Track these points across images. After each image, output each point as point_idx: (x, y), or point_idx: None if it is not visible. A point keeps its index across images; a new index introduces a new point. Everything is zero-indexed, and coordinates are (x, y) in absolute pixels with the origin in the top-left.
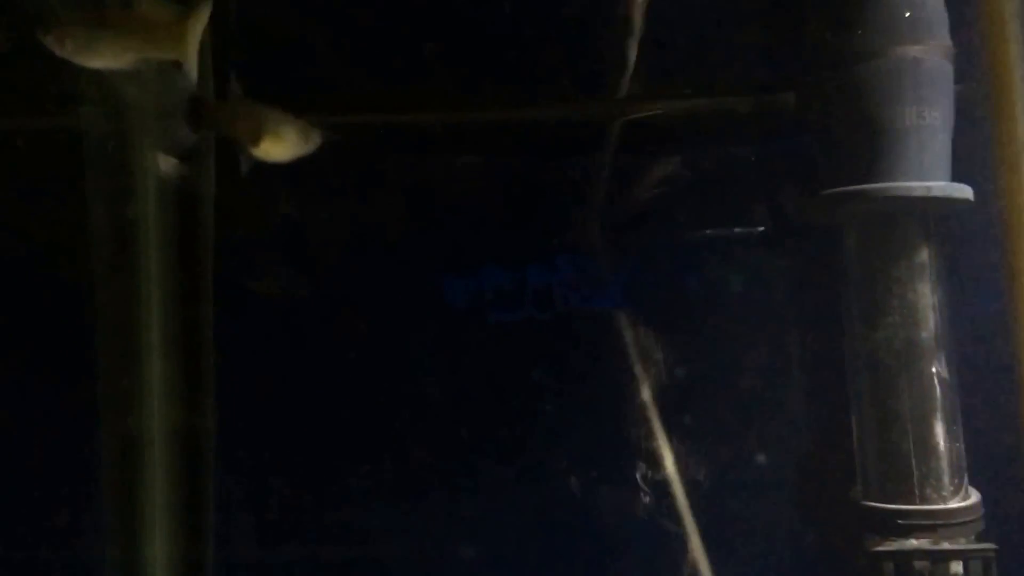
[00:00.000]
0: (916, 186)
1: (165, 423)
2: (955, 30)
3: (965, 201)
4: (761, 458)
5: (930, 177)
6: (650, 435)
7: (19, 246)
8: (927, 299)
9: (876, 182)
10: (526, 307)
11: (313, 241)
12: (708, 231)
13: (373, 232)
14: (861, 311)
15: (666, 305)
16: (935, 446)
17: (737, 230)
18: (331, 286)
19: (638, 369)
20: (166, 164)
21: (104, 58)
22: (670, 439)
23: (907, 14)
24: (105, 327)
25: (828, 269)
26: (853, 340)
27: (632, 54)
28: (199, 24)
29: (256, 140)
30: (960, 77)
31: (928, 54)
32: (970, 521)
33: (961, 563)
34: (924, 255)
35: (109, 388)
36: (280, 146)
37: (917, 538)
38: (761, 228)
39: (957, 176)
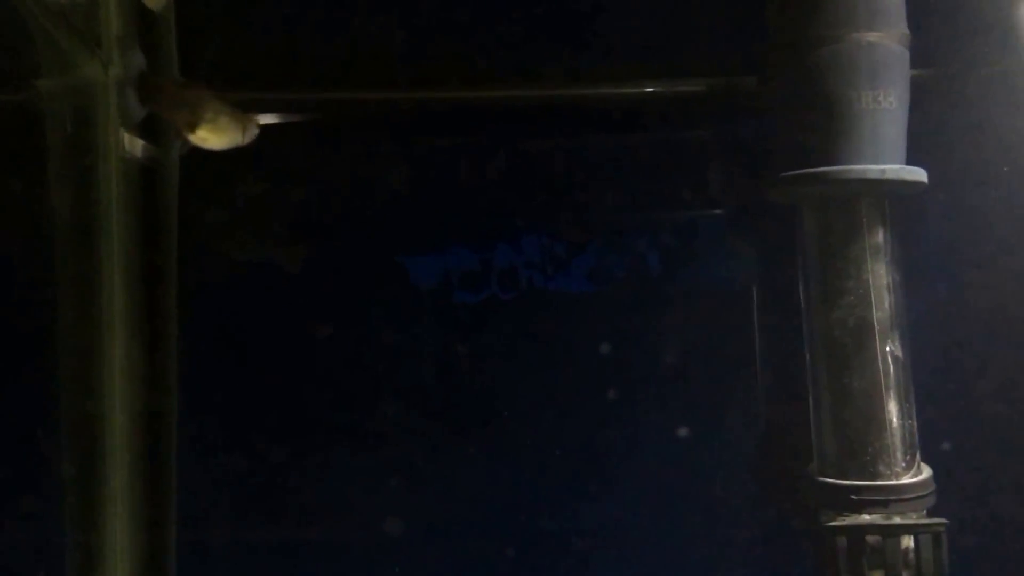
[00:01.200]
0: (872, 168)
1: (127, 405)
2: (914, 16)
3: (919, 184)
4: (723, 436)
5: (885, 160)
6: (612, 416)
7: None
8: (882, 279)
9: (833, 164)
10: (491, 287)
11: (279, 219)
12: (670, 211)
13: (337, 211)
14: (818, 291)
15: (629, 286)
16: (888, 423)
17: (698, 211)
18: (297, 264)
19: (602, 349)
20: (130, 143)
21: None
22: (634, 419)
23: (864, 2)
24: (66, 308)
25: (787, 249)
26: (810, 319)
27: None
28: None
29: (193, 127)
30: (915, 62)
31: (884, 40)
32: (922, 496)
33: (912, 537)
34: (879, 236)
35: (69, 370)
36: (216, 135)
37: (869, 513)
38: (722, 209)
39: (912, 160)
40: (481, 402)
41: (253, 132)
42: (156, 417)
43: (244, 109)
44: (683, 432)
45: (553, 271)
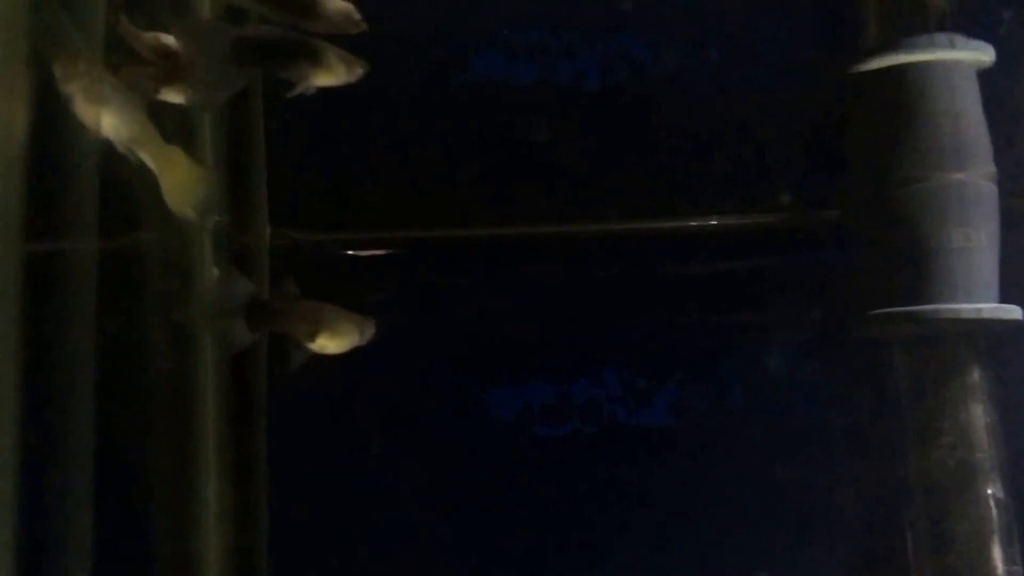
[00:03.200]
0: (966, 308)
1: (219, 543)
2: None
3: (1015, 322)
4: None
5: (978, 299)
6: (695, 558)
7: None
8: (980, 419)
9: (925, 304)
10: (574, 421)
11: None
12: (752, 342)
13: (419, 345)
14: (914, 432)
15: (712, 420)
16: (992, 570)
17: (781, 343)
18: (379, 397)
19: (684, 484)
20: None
21: None
22: (719, 561)
23: (951, 141)
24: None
25: (874, 384)
26: (906, 460)
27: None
28: None
29: (314, 337)
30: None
31: (972, 178)
32: None
33: None
34: (975, 375)
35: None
36: (337, 340)
37: None
38: (805, 341)
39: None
40: (563, 536)
41: (370, 332)
42: (247, 555)
43: (320, 248)
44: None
45: (635, 404)
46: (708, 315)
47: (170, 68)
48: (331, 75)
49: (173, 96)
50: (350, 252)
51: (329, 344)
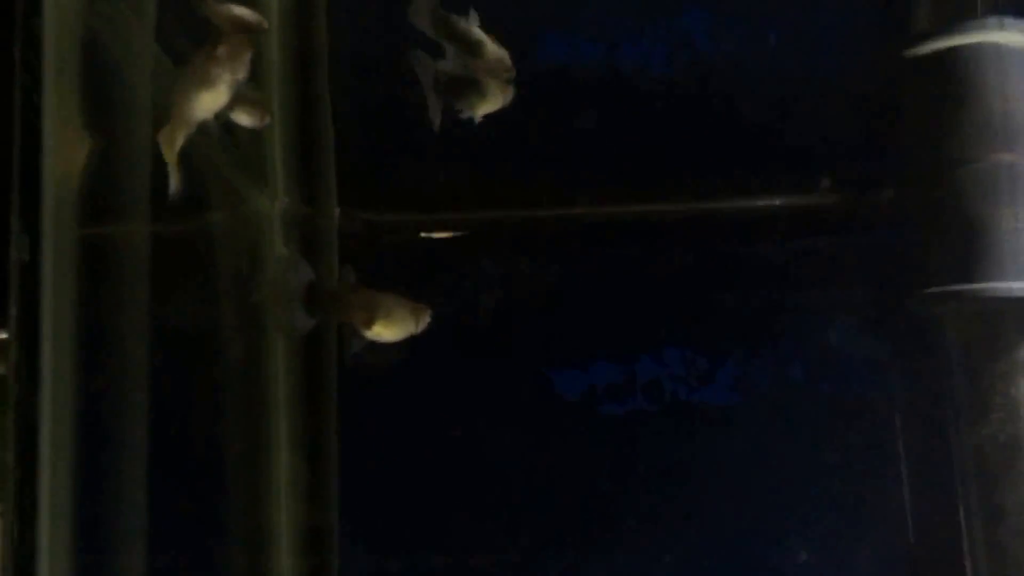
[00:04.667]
0: (1016, 286)
1: (291, 519)
2: None
3: None
4: (867, 552)
5: None
6: (756, 533)
7: None
8: None
9: (975, 282)
10: (636, 400)
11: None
12: (811, 321)
13: (487, 326)
14: (964, 407)
15: (772, 398)
16: None
17: (839, 321)
18: (448, 378)
19: (746, 462)
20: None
21: None
22: (779, 537)
23: (1002, 123)
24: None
25: (928, 360)
26: (958, 435)
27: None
28: None
29: (370, 324)
30: None
31: (1022, 158)
32: None
33: None
34: None
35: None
36: (392, 328)
37: None
38: (863, 318)
39: None
40: (625, 513)
41: (425, 320)
42: (317, 532)
43: (391, 230)
44: (829, 546)
45: (697, 383)
46: (767, 294)
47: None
48: (492, 104)
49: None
50: (422, 234)
51: (384, 332)
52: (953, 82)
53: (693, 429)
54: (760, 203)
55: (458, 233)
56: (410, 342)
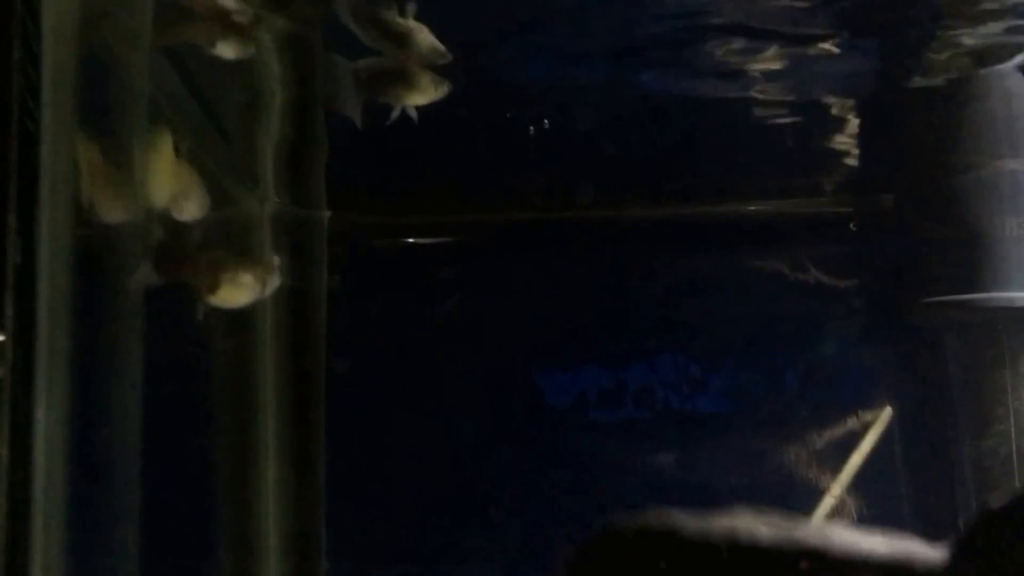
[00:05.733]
0: (1019, 297)
1: (278, 524)
2: None
3: None
4: None
5: None
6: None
7: None
8: None
9: (977, 292)
10: (627, 407)
11: (415, 338)
12: (806, 329)
13: (477, 331)
14: (967, 418)
15: (764, 405)
16: None
17: (835, 329)
18: (437, 381)
19: (738, 468)
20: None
21: None
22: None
23: (1005, 129)
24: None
25: (925, 368)
26: (959, 447)
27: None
28: None
29: (214, 289)
30: None
31: None
32: None
33: None
34: None
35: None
36: (237, 292)
37: None
38: (859, 326)
39: None
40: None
41: (273, 283)
42: (304, 537)
43: (379, 233)
44: None
45: (689, 390)
46: (760, 302)
47: (225, 25)
48: (424, 96)
49: (227, 51)
50: (410, 239)
51: (230, 296)
52: (956, 89)
53: (685, 436)
54: (757, 209)
55: (447, 238)
56: (396, 348)
